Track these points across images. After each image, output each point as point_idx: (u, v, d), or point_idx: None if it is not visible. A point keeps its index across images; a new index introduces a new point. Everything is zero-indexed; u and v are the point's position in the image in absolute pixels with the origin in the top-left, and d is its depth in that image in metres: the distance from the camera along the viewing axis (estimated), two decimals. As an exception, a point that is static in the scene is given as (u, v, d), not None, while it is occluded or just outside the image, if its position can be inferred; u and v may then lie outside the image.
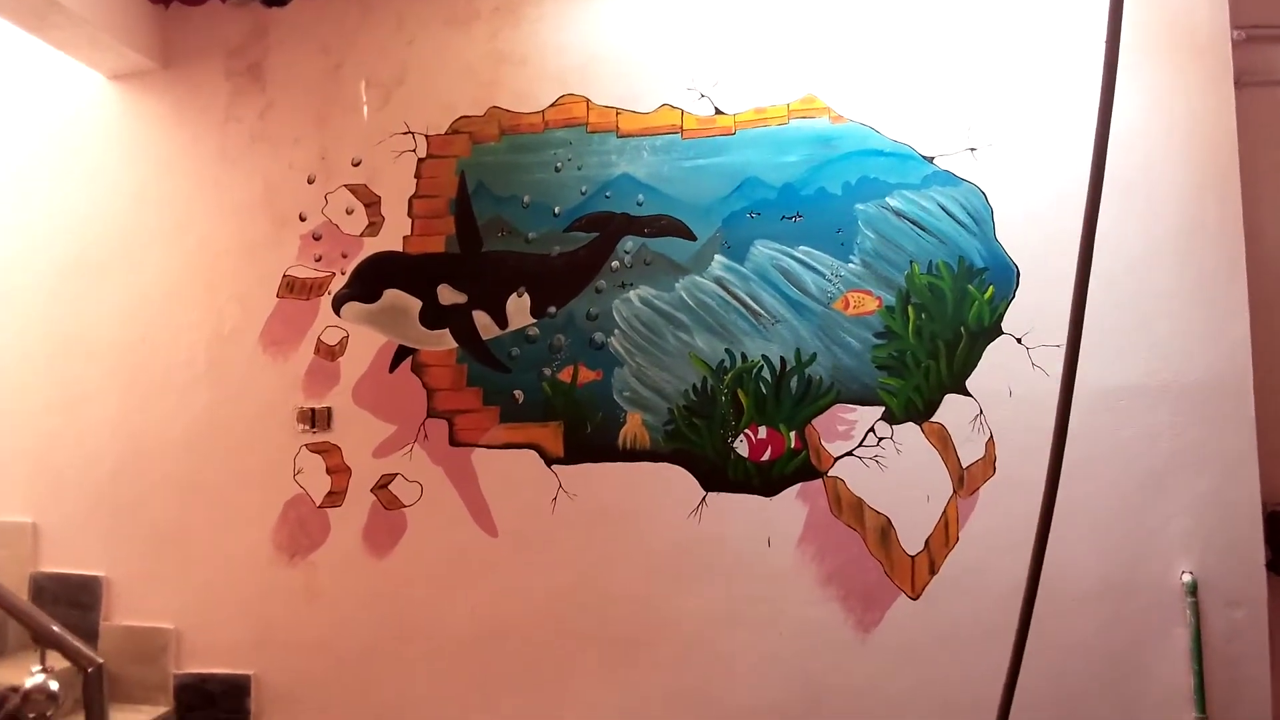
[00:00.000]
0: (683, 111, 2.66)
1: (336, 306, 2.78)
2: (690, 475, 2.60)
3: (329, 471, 2.75)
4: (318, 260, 2.79)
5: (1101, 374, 2.43)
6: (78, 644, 1.56)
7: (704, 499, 2.59)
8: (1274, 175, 2.57)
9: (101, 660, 1.56)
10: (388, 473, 2.72)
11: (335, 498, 2.74)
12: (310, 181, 2.81)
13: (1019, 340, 2.49)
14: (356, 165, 2.79)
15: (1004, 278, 2.51)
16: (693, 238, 2.63)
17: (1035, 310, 2.48)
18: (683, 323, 2.63)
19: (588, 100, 2.71)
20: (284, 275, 2.81)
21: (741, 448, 2.58)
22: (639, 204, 2.66)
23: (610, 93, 2.70)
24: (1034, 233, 2.49)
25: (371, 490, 2.72)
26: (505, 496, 2.67)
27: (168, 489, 2.81)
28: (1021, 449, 2.45)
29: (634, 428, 2.63)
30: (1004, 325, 2.49)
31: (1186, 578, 2.37)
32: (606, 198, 2.68)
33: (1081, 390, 2.41)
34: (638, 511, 2.61)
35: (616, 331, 2.65)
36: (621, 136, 2.69)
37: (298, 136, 2.83)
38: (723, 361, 2.60)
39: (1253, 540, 2.38)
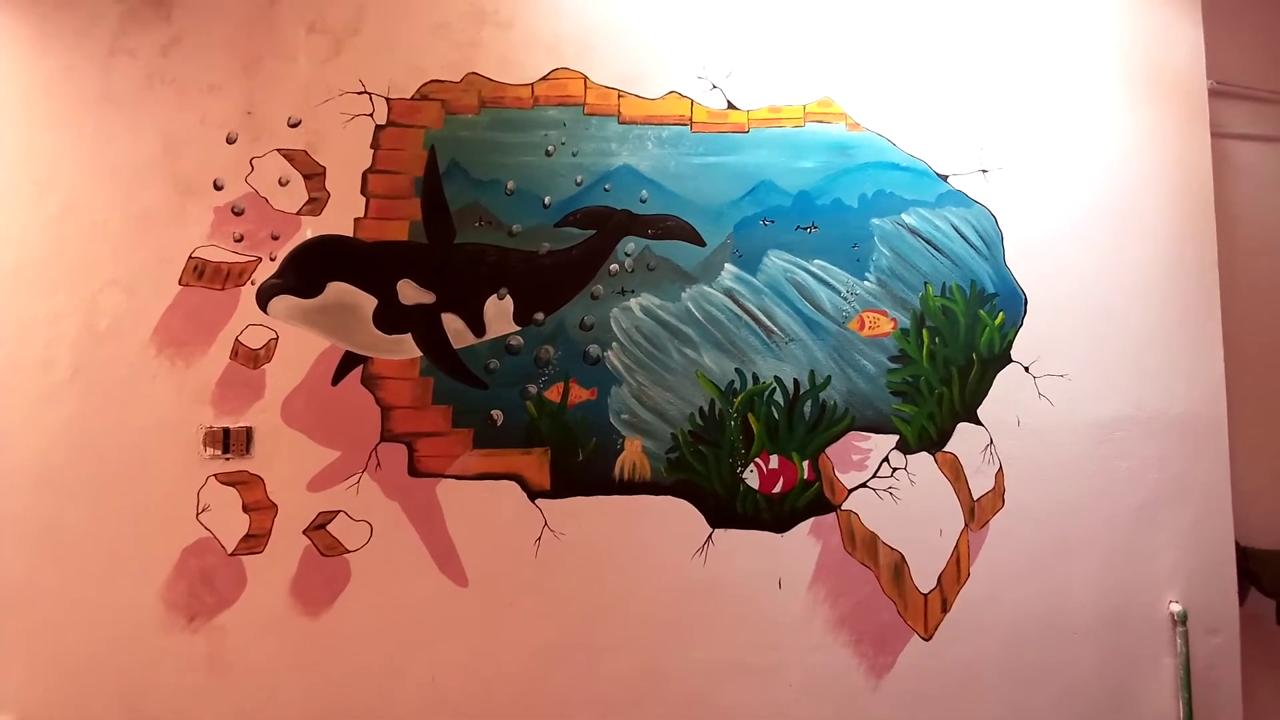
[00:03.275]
0: (692, 102, 2.38)
1: (263, 300, 2.21)
2: (695, 510, 2.30)
3: (246, 509, 2.16)
4: (238, 240, 2.21)
5: (1100, 405, 2.44)
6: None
7: (710, 536, 2.29)
8: (1245, 224, 2.71)
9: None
10: (326, 510, 2.18)
11: (254, 542, 2.16)
12: (230, 141, 2.22)
13: (1026, 369, 2.43)
14: (294, 126, 2.24)
15: (1013, 304, 2.45)
16: (702, 243, 2.35)
17: (1041, 339, 2.44)
18: (689, 337, 2.33)
19: (585, 77, 2.35)
20: (190, 257, 2.19)
21: (751, 479, 2.32)
22: (642, 200, 2.34)
23: (611, 72, 2.36)
24: (1042, 260, 2.46)
25: (305, 532, 2.17)
26: (478, 537, 2.22)
27: (7, 535, 2.09)
28: (1028, 480, 2.41)
29: (633, 455, 2.29)
30: (1013, 353, 2.44)
31: (1175, 607, 2.42)
32: (605, 190, 2.34)
33: (1082, 420, 2.44)
34: (636, 552, 2.26)
35: (614, 344, 2.31)
36: (624, 123, 2.35)
37: (214, 83, 2.23)
38: (732, 382, 2.34)
39: (1227, 569, 2.47)
